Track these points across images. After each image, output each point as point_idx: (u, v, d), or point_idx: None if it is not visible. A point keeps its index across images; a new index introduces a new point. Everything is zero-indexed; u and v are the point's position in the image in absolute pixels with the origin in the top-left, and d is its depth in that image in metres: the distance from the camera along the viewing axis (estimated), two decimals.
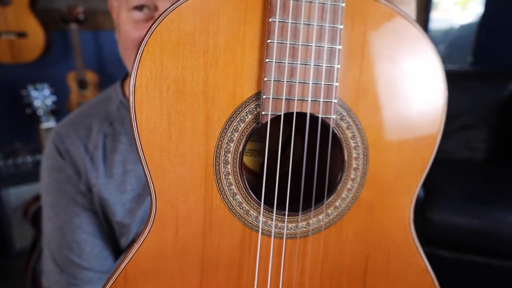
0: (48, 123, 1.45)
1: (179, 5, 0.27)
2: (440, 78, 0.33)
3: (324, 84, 0.29)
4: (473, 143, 2.13)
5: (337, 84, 0.30)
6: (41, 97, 1.43)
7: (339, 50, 0.29)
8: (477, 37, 2.55)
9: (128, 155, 0.63)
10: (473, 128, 2.13)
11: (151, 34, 0.27)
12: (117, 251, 0.66)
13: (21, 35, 1.93)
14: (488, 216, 1.55)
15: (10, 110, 2.21)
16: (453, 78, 1.95)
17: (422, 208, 1.66)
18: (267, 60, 0.29)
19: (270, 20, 0.28)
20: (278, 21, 0.28)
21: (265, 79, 0.29)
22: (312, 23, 0.29)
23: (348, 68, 0.31)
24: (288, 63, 0.29)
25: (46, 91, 1.45)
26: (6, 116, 2.22)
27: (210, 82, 0.29)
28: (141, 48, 0.28)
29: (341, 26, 0.29)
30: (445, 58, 3.14)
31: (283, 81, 0.29)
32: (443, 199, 1.65)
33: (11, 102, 2.21)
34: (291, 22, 0.28)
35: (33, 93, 1.42)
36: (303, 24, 0.28)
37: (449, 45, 3.44)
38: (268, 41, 0.28)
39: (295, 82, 0.29)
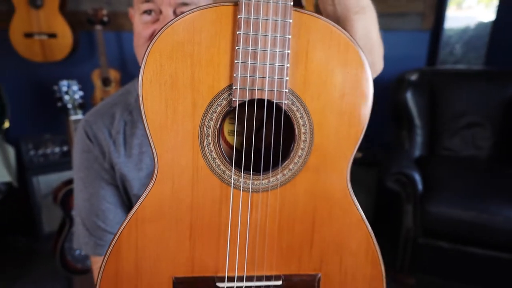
0: (76, 116, 1.61)
1: (172, 23, 0.39)
2: (365, 72, 0.44)
3: (278, 78, 0.41)
4: (478, 141, 2.17)
5: (287, 78, 0.41)
6: (71, 92, 1.58)
7: (288, 53, 0.41)
8: (490, 38, 2.57)
9: (144, 139, 0.76)
10: (478, 126, 2.17)
11: (153, 44, 0.39)
12: None
13: (52, 36, 2.10)
14: (484, 209, 1.62)
15: (40, 105, 2.40)
16: (459, 78, 2.03)
17: (421, 201, 1.73)
18: (236, 61, 0.40)
19: (237, 33, 0.40)
20: (243, 34, 0.39)
21: (234, 75, 0.41)
22: (268, 34, 0.40)
23: (296, 66, 0.42)
24: (251, 63, 0.40)
25: (75, 87, 1.60)
26: (36, 110, 2.41)
27: (195, 77, 0.40)
28: (146, 53, 0.40)
29: (289, 36, 0.40)
30: (461, 58, 3.15)
31: (247, 76, 0.40)
32: (442, 193, 1.72)
33: (42, 97, 2.40)
34: (252, 34, 0.39)
35: (64, 89, 1.58)
36: (261, 35, 0.40)
37: (465, 44, 3.43)
38: (236, 47, 0.40)
39: (256, 77, 0.41)
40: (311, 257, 0.45)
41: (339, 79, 0.43)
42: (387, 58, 2.48)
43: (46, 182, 2.19)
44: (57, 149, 2.20)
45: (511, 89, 2.15)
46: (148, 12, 0.72)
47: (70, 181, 1.74)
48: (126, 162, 0.74)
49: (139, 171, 0.75)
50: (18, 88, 2.33)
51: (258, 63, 0.40)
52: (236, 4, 0.40)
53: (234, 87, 0.41)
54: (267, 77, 0.41)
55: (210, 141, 0.42)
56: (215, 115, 0.42)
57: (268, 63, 0.41)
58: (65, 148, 2.21)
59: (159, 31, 0.39)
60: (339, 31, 0.42)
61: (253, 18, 0.39)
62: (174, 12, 0.72)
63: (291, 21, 0.40)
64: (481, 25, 3.07)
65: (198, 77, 0.40)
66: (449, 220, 1.66)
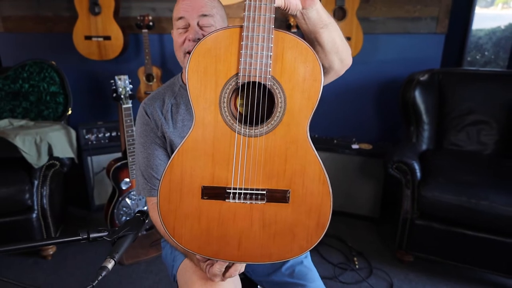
0: (127, 104, 1.96)
1: (205, 38, 0.69)
2: (318, 66, 0.72)
3: (264, 69, 0.70)
4: (483, 138, 2.32)
5: (270, 69, 0.70)
6: (123, 85, 1.94)
7: (271, 55, 0.70)
8: None
9: (185, 115, 1.08)
10: (484, 124, 2.33)
11: (195, 49, 0.70)
12: None
13: (107, 38, 2.49)
14: (473, 195, 1.80)
15: (95, 96, 2.81)
16: (467, 79, 2.25)
17: (418, 187, 1.95)
18: (240, 59, 0.70)
19: (241, 43, 0.70)
20: (244, 43, 0.69)
21: (240, 67, 0.70)
22: (259, 44, 0.69)
23: (276, 62, 0.71)
24: (249, 60, 0.70)
25: (127, 81, 1.96)
26: (91, 101, 2.82)
27: (217, 68, 0.70)
28: (191, 54, 0.70)
29: (272, 44, 0.69)
30: (491, 60, 3.23)
31: (247, 68, 0.70)
32: (437, 180, 1.92)
33: (96, 90, 2.81)
34: (250, 44, 0.69)
35: (118, 82, 1.94)
36: (255, 44, 0.69)
37: (494, 46, 3.50)
38: (241, 51, 0.70)
39: (252, 68, 0.70)
40: (284, 178, 0.75)
41: (302, 70, 0.72)
42: (402, 60, 2.80)
43: (97, 162, 2.58)
44: (107, 134, 2.58)
45: None
46: (182, 27, 1.04)
47: (119, 159, 2.10)
48: (173, 131, 1.06)
49: (181, 138, 1.06)
50: (78, 82, 2.75)
51: (253, 60, 0.70)
52: (241, 27, 0.70)
53: (239, 74, 0.71)
54: (258, 68, 0.71)
55: (225, 106, 0.73)
56: (228, 90, 0.72)
57: (259, 60, 0.70)
58: (113, 134, 2.58)
59: (197, 43, 0.70)
60: (301, 41, 0.71)
61: (251, 35, 0.69)
62: (198, 24, 1.03)
63: (272, 36, 0.70)
64: (510, 26, 3.11)
65: (219, 68, 0.71)
66: (441, 204, 1.86)
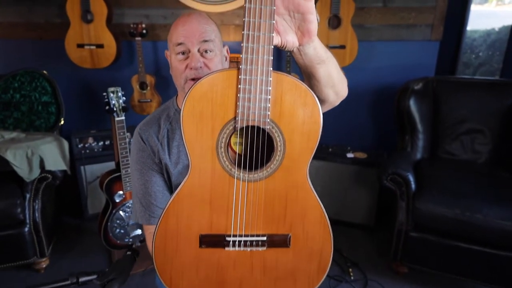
0: (120, 117, 1.93)
1: (201, 81, 0.68)
2: (317, 109, 0.71)
3: (263, 113, 0.69)
4: (477, 147, 2.34)
5: (269, 113, 0.69)
6: (116, 98, 1.91)
7: (269, 98, 0.68)
8: (507, 49, 2.69)
9: (180, 141, 1.06)
10: (478, 132, 2.34)
11: (189, 93, 0.68)
12: None
13: (99, 46, 2.45)
14: (467, 208, 1.81)
15: (88, 104, 2.77)
16: (461, 87, 2.25)
17: (413, 199, 1.96)
18: (238, 103, 0.69)
19: (239, 86, 0.68)
20: (242, 87, 0.68)
21: (237, 111, 0.69)
22: (257, 87, 0.68)
23: (274, 105, 0.69)
24: (247, 104, 0.68)
25: (119, 93, 1.93)
26: (84, 109, 2.78)
27: (214, 112, 0.69)
28: (185, 98, 0.69)
29: (270, 88, 0.68)
30: (485, 62, 3.24)
31: (245, 112, 0.69)
32: (431, 192, 1.93)
33: (89, 98, 2.78)
34: (248, 87, 0.68)
35: (111, 95, 1.91)
36: (253, 87, 0.68)
37: (489, 48, 3.51)
38: (238, 95, 0.68)
39: (250, 112, 0.69)
40: (285, 223, 0.74)
41: (301, 113, 0.70)
42: (397, 67, 2.81)
43: (91, 171, 2.55)
44: (100, 143, 2.55)
45: (510, 99, 2.31)
46: (181, 52, 1.02)
47: (113, 171, 2.07)
48: (169, 158, 1.05)
49: (177, 165, 1.05)
50: (70, 89, 2.70)
51: (251, 104, 0.69)
52: (238, 69, 0.68)
53: (237, 118, 0.70)
54: (256, 112, 0.69)
55: (223, 151, 0.71)
56: (225, 135, 0.70)
57: (257, 104, 0.69)
58: (107, 142, 2.55)
59: (192, 86, 0.69)
60: (300, 84, 0.70)
61: (249, 78, 0.68)
62: (199, 50, 1.01)
63: (271, 79, 0.68)
64: (504, 28, 3.13)
65: (215, 112, 0.69)
66: (436, 217, 1.87)
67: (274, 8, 0.66)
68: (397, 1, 2.58)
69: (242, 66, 0.67)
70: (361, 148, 2.66)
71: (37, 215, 1.98)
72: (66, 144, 2.18)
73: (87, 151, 2.51)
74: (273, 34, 0.68)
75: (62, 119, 2.35)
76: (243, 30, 0.66)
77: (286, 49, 0.73)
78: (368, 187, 2.45)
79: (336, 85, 0.87)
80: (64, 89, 2.55)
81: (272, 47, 0.67)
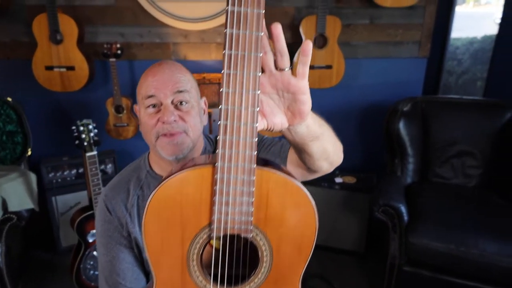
0: (91, 152, 1.78)
1: (167, 181, 0.55)
2: (311, 210, 0.59)
3: (245, 219, 0.56)
4: (468, 170, 2.28)
5: (251, 219, 0.56)
6: (86, 131, 1.76)
7: (252, 201, 0.56)
8: (489, 69, 2.65)
9: None
10: (468, 155, 2.28)
11: (153, 196, 0.55)
12: (147, 275, 0.96)
13: (70, 68, 2.27)
14: (462, 243, 1.74)
15: (58, 130, 2.59)
16: (451, 107, 2.16)
17: (406, 232, 1.87)
18: (213, 207, 0.56)
19: (215, 187, 0.55)
20: (218, 188, 0.55)
21: (213, 217, 0.56)
22: (238, 188, 0.55)
23: (259, 208, 0.57)
24: (225, 208, 0.56)
25: (90, 126, 1.77)
26: (55, 135, 2.59)
27: (184, 219, 0.56)
28: (147, 203, 0.56)
29: (253, 189, 0.56)
30: (468, 70, 3.22)
31: (222, 217, 0.56)
32: (425, 225, 1.85)
33: (60, 123, 2.59)
34: (225, 189, 0.55)
35: (81, 128, 1.75)
36: (232, 189, 0.55)
37: (471, 57, 3.50)
38: (214, 198, 0.56)
39: (229, 218, 0.56)
40: None
41: (291, 216, 0.58)
42: (385, 84, 2.70)
43: (63, 201, 2.38)
44: (73, 171, 2.38)
45: (500, 120, 2.25)
46: (151, 105, 0.89)
47: (85, 208, 1.92)
48: (139, 231, 0.91)
49: None
50: (39, 113, 2.52)
51: (230, 208, 0.56)
52: (214, 166, 0.55)
53: (212, 226, 0.57)
54: (236, 218, 0.57)
55: (195, 264, 0.58)
56: (198, 245, 0.58)
57: (237, 208, 0.56)
58: (80, 170, 2.39)
59: (157, 187, 0.56)
60: (291, 181, 0.58)
61: (226, 177, 0.55)
62: (172, 102, 0.88)
63: (254, 178, 0.56)
64: (487, 37, 3.12)
65: (186, 219, 0.56)
66: (430, 252, 1.79)
67: (259, 92, 0.54)
68: (384, 18, 2.49)
69: (219, 163, 0.55)
70: (349, 168, 2.57)
71: (0, 260, 1.81)
72: (33, 177, 2.01)
73: (59, 180, 2.34)
74: (257, 121, 0.55)
75: (29, 149, 2.17)
76: (220, 119, 0.54)
77: (273, 131, 0.61)
78: (358, 213, 2.36)
79: (330, 157, 0.77)
80: (33, 113, 2.37)
81: (256, 139, 0.55)
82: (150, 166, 0.97)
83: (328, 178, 2.42)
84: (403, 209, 1.91)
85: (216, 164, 0.55)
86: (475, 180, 2.26)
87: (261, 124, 0.58)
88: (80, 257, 1.90)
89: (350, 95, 2.62)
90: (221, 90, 0.53)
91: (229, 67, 0.52)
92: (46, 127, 2.57)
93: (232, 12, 0.50)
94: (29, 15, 2.32)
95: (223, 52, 0.51)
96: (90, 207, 1.89)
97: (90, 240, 1.89)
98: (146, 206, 0.56)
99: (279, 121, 0.60)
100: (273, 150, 0.90)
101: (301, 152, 0.74)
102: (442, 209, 1.97)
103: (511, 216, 1.91)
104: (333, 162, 0.79)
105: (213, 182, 0.56)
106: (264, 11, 0.52)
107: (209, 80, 2.25)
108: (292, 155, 0.85)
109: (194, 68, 2.51)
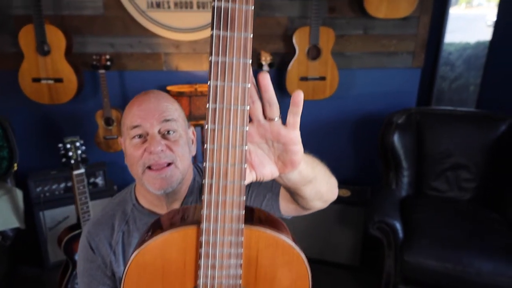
0: (79, 170, 1.73)
1: (147, 244, 0.51)
2: (305, 268, 0.55)
3: (233, 283, 0.52)
4: (462, 183, 2.26)
5: (240, 282, 0.53)
6: (74, 149, 1.70)
7: (241, 264, 0.52)
8: (482, 81, 2.64)
9: None
10: (463, 168, 2.26)
11: (131, 261, 0.51)
12: None
13: (58, 80, 2.22)
14: (458, 262, 1.71)
15: (46, 143, 2.52)
16: (445, 119, 2.14)
17: (401, 250, 1.84)
18: (199, 271, 0.52)
19: (200, 250, 0.51)
20: (204, 251, 0.51)
21: (198, 281, 0.52)
22: (225, 250, 0.51)
23: (248, 269, 0.53)
24: (211, 273, 0.52)
25: (78, 143, 1.72)
26: (43, 148, 2.53)
27: (165, 284, 0.52)
28: (126, 268, 0.52)
29: (241, 250, 0.52)
30: (461, 76, 3.22)
31: (208, 282, 0.52)
32: (421, 242, 1.82)
33: (48, 136, 2.53)
34: (212, 251, 0.51)
35: (68, 145, 1.70)
36: (219, 251, 0.51)
37: (464, 62, 3.51)
38: (199, 261, 0.52)
39: (215, 283, 0.52)
40: None
41: (283, 276, 0.54)
42: (379, 94, 2.67)
43: (52, 215, 2.32)
44: (62, 185, 2.32)
45: (495, 133, 2.23)
46: (137, 135, 0.84)
47: (72, 227, 1.87)
48: (123, 270, 0.87)
49: None
50: (26, 126, 2.45)
51: (216, 272, 0.52)
52: (198, 227, 0.51)
53: None
54: (223, 282, 0.53)
55: None
56: None
57: (224, 272, 0.52)
58: (69, 184, 2.33)
59: (136, 250, 0.52)
60: (283, 239, 0.54)
61: (212, 239, 0.51)
62: (159, 131, 0.84)
63: (242, 239, 0.52)
64: (480, 43, 3.13)
65: (168, 285, 0.52)
66: (425, 270, 1.76)
67: (246, 148, 0.50)
68: (378, 28, 2.47)
69: (204, 225, 0.51)
70: (343, 179, 2.54)
71: None
72: (20, 194, 1.95)
73: (47, 194, 2.28)
74: (246, 175, 0.52)
75: (15, 164, 2.10)
76: (204, 177, 0.50)
77: (263, 180, 0.58)
78: (352, 226, 2.33)
79: (324, 197, 0.74)
80: (19, 126, 2.31)
81: (244, 198, 0.51)
82: (136, 199, 0.93)
83: None
84: (398, 226, 1.88)
85: (201, 226, 0.51)
86: (470, 193, 2.24)
87: (249, 177, 0.54)
88: (68, 277, 1.85)
89: (344, 106, 2.60)
90: (205, 147, 0.49)
91: (213, 122, 0.48)
92: (34, 140, 2.51)
93: (216, 62, 0.46)
94: (16, 25, 2.26)
95: (207, 105, 0.47)
96: (78, 225, 1.83)
97: None
98: (125, 271, 0.52)
99: (269, 171, 0.56)
100: (264, 185, 0.87)
101: (294, 195, 0.70)
102: (437, 226, 1.94)
103: (505, 231, 1.89)
104: (327, 200, 0.76)
105: (198, 245, 0.52)
106: (251, 61, 0.48)
107: (201, 92, 2.21)
108: (284, 191, 0.82)
109: (186, 78, 2.47)
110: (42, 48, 2.16)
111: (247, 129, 0.49)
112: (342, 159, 2.71)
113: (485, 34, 2.66)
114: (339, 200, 2.33)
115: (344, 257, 2.40)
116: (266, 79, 0.49)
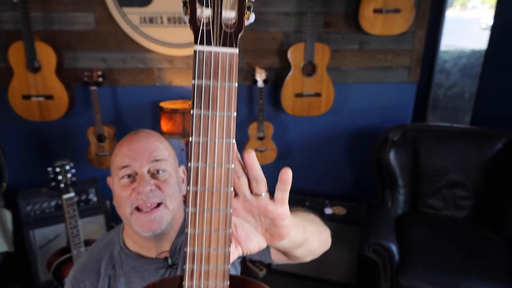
0: (69, 194, 1.69)
1: None
2: None
3: None
4: (458, 201, 2.24)
5: None
6: (63, 173, 1.66)
7: None
8: (476, 98, 2.63)
9: None
10: (459, 186, 2.23)
11: None
12: None
13: (49, 97, 2.18)
14: (456, 286, 1.69)
15: (37, 160, 2.48)
16: (441, 136, 2.11)
17: (397, 273, 1.82)
18: None
19: None
20: None
21: None
22: None
23: None
24: None
25: (67, 167, 1.68)
26: (33, 165, 2.49)
27: None
28: None
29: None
30: (456, 84, 3.22)
31: None
32: (416, 266, 1.79)
33: (39, 153, 2.48)
34: None
35: (57, 169, 1.66)
36: None
37: (459, 71, 3.50)
38: None
39: None
40: None
41: None
42: (374, 109, 2.65)
43: (42, 234, 2.27)
44: (52, 203, 2.28)
45: (491, 151, 2.22)
46: (126, 175, 0.82)
47: (62, 251, 1.83)
48: None
49: None
50: (16, 144, 2.41)
51: None
52: (181, 279, 0.48)
53: None
54: None
55: None
56: None
57: None
58: (59, 202, 2.28)
59: None
60: None
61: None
62: (148, 171, 0.82)
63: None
64: (475, 52, 3.13)
65: None
66: None
67: (230, 231, 0.47)
68: (373, 43, 2.45)
69: None
70: (339, 196, 2.53)
71: None
72: (9, 216, 1.91)
73: (37, 212, 2.23)
74: (230, 256, 0.49)
75: (4, 184, 2.06)
76: (185, 262, 0.47)
77: (252, 253, 0.55)
78: (348, 244, 2.31)
79: (317, 253, 0.72)
80: (9, 143, 2.27)
81: (228, 283, 0.48)
82: (124, 242, 0.90)
83: (318, 209, 2.36)
84: (394, 248, 1.86)
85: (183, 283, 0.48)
86: (466, 211, 2.22)
87: (235, 254, 0.51)
88: None
89: (340, 121, 2.57)
90: (185, 231, 0.46)
91: (194, 206, 0.45)
92: (24, 158, 2.47)
93: (197, 143, 0.43)
94: (6, 40, 2.22)
95: (187, 188, 0.45)
96: (67, 249, 1.80)
97: None
98: None
99: (256, 245, 0.53)
100: None
101: (285, 254, 0.68)
102: (434, 248, 1.92)
103: (503, 252, 1.87)
104: (320, 253, 0.74)
105: None
106: (234, 141, 0.45)
107: None
108: None
109: (180, 94, 2.43)
110: (32, 65, 2.12)
111: (231, 211, 0.46)
112: (338, 174, 2.69)
113: (480, 38, 2.63)
114: (335, 218, 2.31)
115: (340, 275, 2.37)
116: (251, 158, 0.46)
